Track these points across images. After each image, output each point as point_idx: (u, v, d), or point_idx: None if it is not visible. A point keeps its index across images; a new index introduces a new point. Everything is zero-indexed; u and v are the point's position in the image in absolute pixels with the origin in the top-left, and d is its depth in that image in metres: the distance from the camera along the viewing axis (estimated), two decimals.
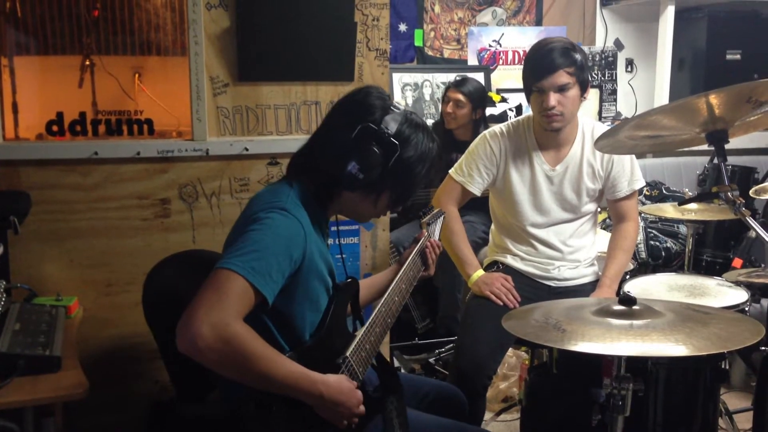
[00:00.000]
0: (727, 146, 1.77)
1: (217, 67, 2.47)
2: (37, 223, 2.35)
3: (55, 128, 2.43)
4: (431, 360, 3.54)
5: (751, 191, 2.71)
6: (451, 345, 3.51)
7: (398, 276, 1.84)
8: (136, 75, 3.53)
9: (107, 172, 2.41)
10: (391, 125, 1.63)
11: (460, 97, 3.81)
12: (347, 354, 1.60)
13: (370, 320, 1.69)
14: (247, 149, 2.51)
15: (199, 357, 1.37)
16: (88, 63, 3.44)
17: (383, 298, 1.75)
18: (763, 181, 3.54)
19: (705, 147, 1.83)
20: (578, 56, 2.41)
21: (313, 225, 1.62)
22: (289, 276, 1.54)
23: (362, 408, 1.57)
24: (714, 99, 1.62)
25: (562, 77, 2.37)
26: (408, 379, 2.13)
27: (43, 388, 1.70)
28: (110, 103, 3.31)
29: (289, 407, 1.48)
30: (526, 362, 2.27)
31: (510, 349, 3.16)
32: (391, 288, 1.79)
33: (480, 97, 3.87)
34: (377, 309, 1.73)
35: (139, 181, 2.44)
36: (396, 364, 3.61)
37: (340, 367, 1.58)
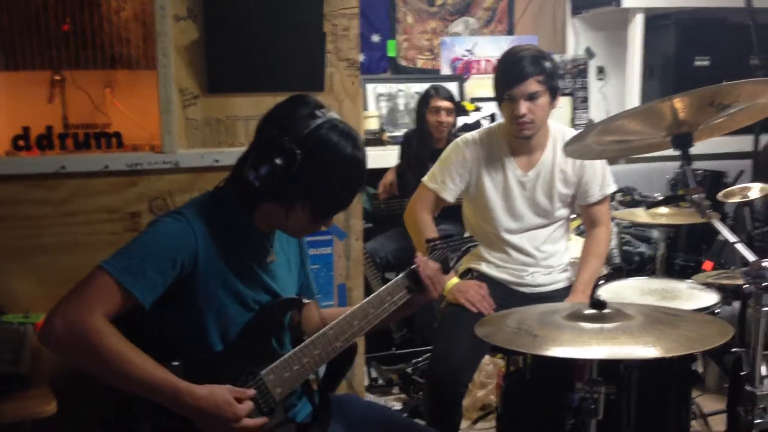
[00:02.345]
0: (696, 151, 1.79)
1: (187, 79, 2.46)
2: (4, 240, 2.31)
3: (21, 143, 2.40)
4: (408, 370, 3.53)
5: (719, 195, 2.74)
6: (428, 354, 3.50)
7: (367, 300, 1.72)
8: (108, 89, 3.51)
9: (75, 187, 2.38)
10: (300, 131, 1.54)
11: (449, 105, 3.87)
12: (261, 372, 1.56)
13: (307, 341, 1.62)
14: (217, 161, 2.50)
15: (51, 348, 1.42)
16: (58, 78, 3.41)
17: (335, 321, 1.66)
18: (732, 185, 3.58)
19: (676, 152, 1.85)
20: (548, 64, 2.43)
21: (224, 235, 1.58)
22: (177, 280, 1.51)
23: (246, 422, 1.49)
24: (678, 103, 1.64)
25: (532, 85, 2.39)
26: (385, 414, 1.97)
27: (11, 406, 1.68)
28: (81, 117, 3.28)
29: (169, 416, 1.47)
30: (503, 369, 2.28)
31: (487, 356, 3.17)
32: (350, 311, 1.69)
33: (457, 102, 3.96)
34: (322, 330, 1.64)
35: (108, 195, 2.41)
36: (373, 374, 3.60)
37: (247, 382, 1.54)
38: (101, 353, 1.40)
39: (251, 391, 1.53)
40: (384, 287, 1.75)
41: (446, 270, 1.85)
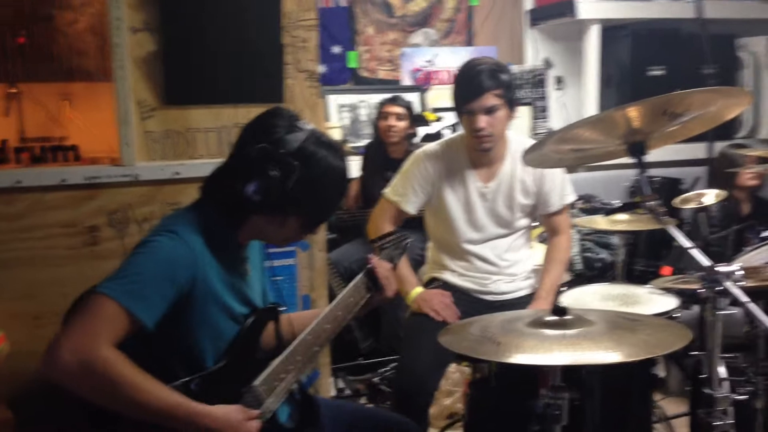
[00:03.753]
0: (653, 158, 1.82)
1: (144, 91, 2.43)
2: None
3: None
4: (375, 380, 3.53)
5: (675, 201, 2.80)
6: (396, 364, 3.50)
7: (333, 303, 1.76)
8: (66, 102, 3.46)
9: (31, 201, 2.33)
10: (291, 144, 1.58)
11: (400, 110, 3.87)
12: (255, 383, 1.56)
13: (290, 348, 1.64)
14: (178, 173, 2.47)
15: (63, 383, 1.36)
16: (14, 91, 3.35)
17: (311, 326, 1.69)
18: (688, 191, 3.66)
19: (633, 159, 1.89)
20: (505, 77, 2.45)
21: (212, 249, 1.58)
22: (178, 301, 1.50)
23: None
24: (632, 112, 1.67)
25: (490, 99, 2.41)
26: (357, 410, 2.06)
27: None
28: (39, 131, 3.23)
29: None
30: (469, 377, 2.29)
31: (453, 364, 3.17)
32: (322, 315, 1.72)
33: (413, 112, 3.95)
34: (301, 336, 1.66)
35: (65, 209, 2.37)
36: (340, 385, 3.58)
37: (243, 396, 1.54)
38: (115, 384, 1.36)
39: (257, 412, 1.54)
40: (346, 289, 1.79)
41: (394, 267, 1.94)
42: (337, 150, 1.66)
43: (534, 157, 1.98)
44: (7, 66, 3.25)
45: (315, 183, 1.60)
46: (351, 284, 1.81)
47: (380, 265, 1.85)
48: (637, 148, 1.75)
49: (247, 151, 1.60)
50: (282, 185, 1.57)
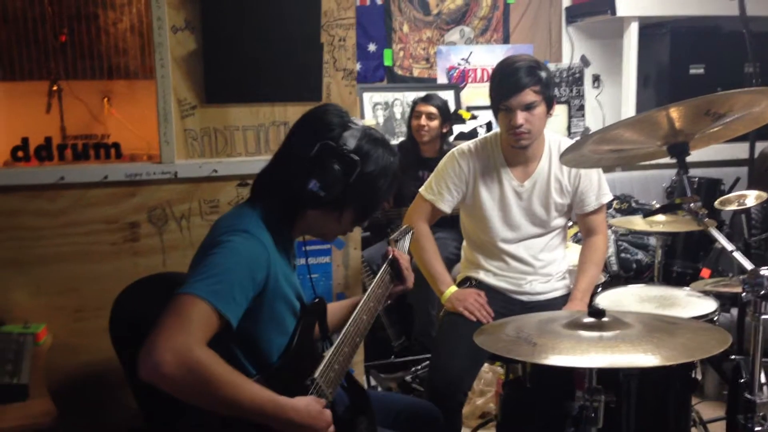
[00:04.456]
0: (693, 159, 1.80)
1: (185, 89, 2.46)
2: (3, 251, 2.31)
3: (20, 154, 2.40)
4: (407, 378, 3.54)
5: (716, 202, 2.75)
6: (427, 362, 3.50)
7: (366, 295, 1.82)
8: (106, 99, 3.52)
9: (74, 197, 2.38)
10: (351, 141, 1.63)
11: (432, 109, 3.85)
12: (315, 375, 1.58)
13: (338, 340, 1.68)
14: (216, 171, 2.50)
15: (162, 384, 1.36)
16: (55, 88, 3.42)
17: (351, 318, 1.74)
18: (729, 192, 3.60)
19: (672, 160, 1.86)
20: (543, 74, 2.44)
21: (276, 247, 1.61)
22: (253, 298, 1.52)
23: (332, 429, 1.56)
24: (674, 112, 1.65)
25: (529, 96, 2.40)
26: (381, 396, 2.13)
27: (11, 416, 1.68)
28: (79, 127, 3.30)
29: None
30: (502, 377, 2.28)
31: (486, 364, 3.17)
32: (359, 307, 1.77)
33: (447, 110, 3.93)
34: (345, 329, 1.71)
35: (107, 206, 2.42)
36: (372, 382, 3.60)
37: (309, 388, 1.56)
38: (214, 383, 1.38)
39: (324, 401, 1.58)
40: (375, 281, 1.86)
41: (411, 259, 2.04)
42: (390, 146, 1.71)
43: (572, 157, 1.96)
44: (49, 64, 3.33)
45: (373, 178, 1.66)
46: (378, 276, 1.87)
47: (401, 256, 1.94)
48: (679, 148, 1.73)
49: (305, 148, 1.63)
50: (344, 181, 1.61)
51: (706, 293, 2.57)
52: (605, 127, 1.80)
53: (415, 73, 4.93)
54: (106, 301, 2.37)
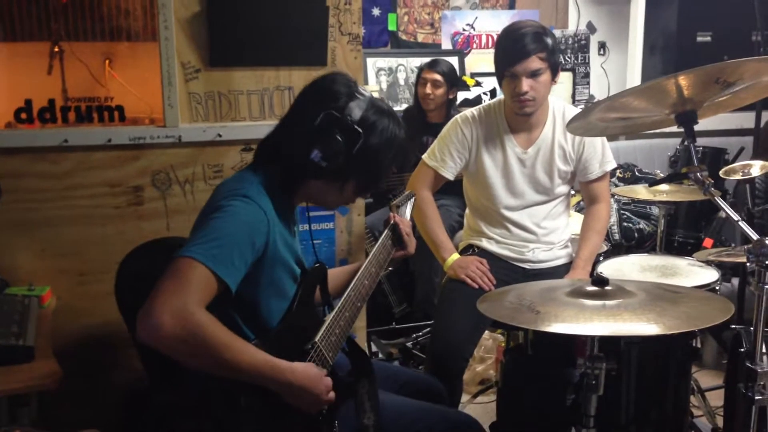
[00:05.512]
0: (697, 128, 1.79)
1: (189, 52, 2.44)
2: (7, 213, 2.31)
3: (23, 116, 2.39)
4: (409, 344, 3.56)
5: (720, 172, 2.74)
6: (429, 329, 3.53)
7: (367, 260, 1.82)
8: (107, 61, 3.49)
9: (78, 160, 2.37)
10: (355, 112, 1.61)
11: (437, 76, 3.82)
12: (316, 339, 1.59)
13: (338, 305, 1.69)
14: (220, 135, 2.49)
15: (161, 347, 1.36)
16: (57, 49, 3.39)
17: (352, 283, 1.75)
18: (733, 162, 3.58)
19: (676, 129, 1.85)
20: (549, 41, 2.41)
21: (277, 213, 1.61)
22: (252, 263, 1.52)
23: (332, 394, 1.58)
24: (683, 80, 1.64)
25: (534, 63, 2.38)
26: (385, 367, 2.13)
27: (17, 378, 1.69)
28: (81, 89, 3.26)
29: (257, 395, 1.48)
30: (503, 344, 2.30)
31: (486, 331, 3.19)
32: (360, 272, 1.78)
33: (454, 76, 3.90)
34: (346, 293, 1.72)
35: (110, 169, 2.41)
36: (373, 348, 3.63)
37: (309, 353, 1.57)
38: (213, 346, 1.38)
39: (325, 370, 1.59)
40: (376, 246, 1.86)
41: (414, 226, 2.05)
42: (395, 117, 1.69)
43: (579, 125, 1.95)
44: (50, 24, 3.29)
45: (377, 150, 1.64)
46: (379, 241, 1.88)
47: (402, 221, 1.94)
48: (687, 117, 1.72)
49: (310, 117, 1.61)
50: (347, 152, 1.59)
51: (708, 263, 2.58)
52: (613, 94, 1.78)
53: (420, 38, 4.88)
54: (109, 264, 2.38)
